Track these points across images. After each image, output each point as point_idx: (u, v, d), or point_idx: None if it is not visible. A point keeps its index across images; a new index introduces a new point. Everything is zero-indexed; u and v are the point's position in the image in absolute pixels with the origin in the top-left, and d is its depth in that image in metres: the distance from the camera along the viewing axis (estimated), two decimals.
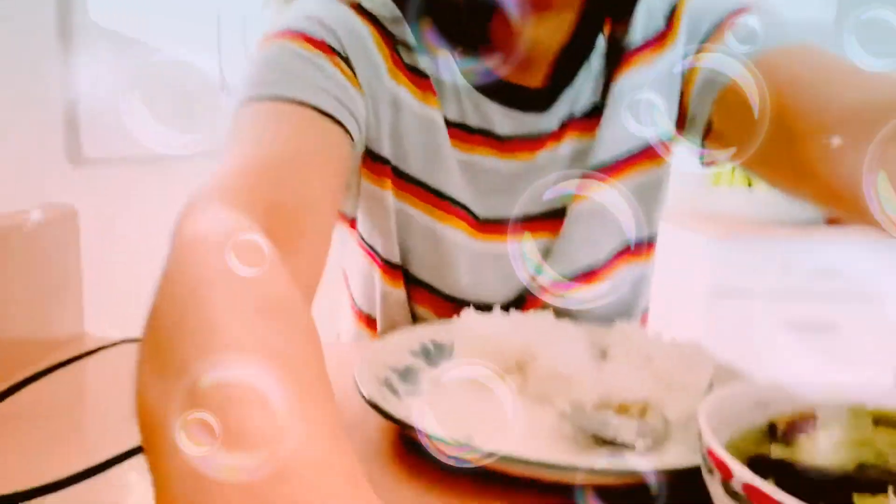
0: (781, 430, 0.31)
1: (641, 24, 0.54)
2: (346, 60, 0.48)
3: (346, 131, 0.47)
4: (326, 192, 0.43)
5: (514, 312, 0.49)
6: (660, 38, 0.55)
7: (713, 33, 0.53)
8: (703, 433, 0.28)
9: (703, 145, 0.55)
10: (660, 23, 0.55)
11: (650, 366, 0.42)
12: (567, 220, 0.56)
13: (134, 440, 0.35)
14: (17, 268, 0.51)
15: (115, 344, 0.57)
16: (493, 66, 0.52)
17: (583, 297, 0.57)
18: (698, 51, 0.53)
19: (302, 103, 0.44)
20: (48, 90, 0.59)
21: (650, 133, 0.56)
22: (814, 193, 0.46)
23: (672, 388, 0.40)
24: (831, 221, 1.97)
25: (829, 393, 0.32)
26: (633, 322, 0.59)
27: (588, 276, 0.57)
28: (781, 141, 0.45)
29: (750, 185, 1.97)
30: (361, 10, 0.51)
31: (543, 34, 0.51)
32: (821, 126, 0.43)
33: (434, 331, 0.50)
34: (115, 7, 0.78)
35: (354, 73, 0.49)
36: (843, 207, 0.43)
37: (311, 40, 0.47)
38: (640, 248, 0.59)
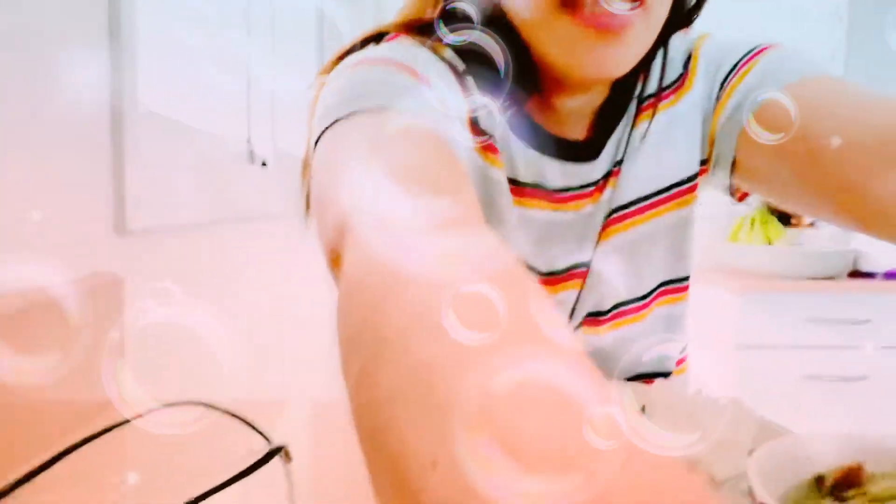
0: (829, 484, 0.31)
1: (660, 72, 0.57)
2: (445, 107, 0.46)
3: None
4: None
5: None
6: (678, 85, 0.57)
7: (732, 75, 0.55)
8: (755, 491, 0.29)
9: (731, 182, 0.57)
10: (678, 69, 0.58)
11: (691, 423, 0.42)
12: (595, 258, 0.57)
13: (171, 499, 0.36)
14: (62, 334, 0.53)
15: (153, 410, 0.58)
16: (539, 121, 0.54)
17: (620, 334, 0.58)
18: (719, 92, 0.56)
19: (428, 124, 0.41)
20: (98, 167, 0.63)
21: (672, 175, 0.58)
22: (855, 216, 0.47)
23: (716, 445, 0.41)
24: (853, 274, 1.96)
25: (873, 444, 0.33)
26: (669, 366, 0.60)
27: (624, 312, 0.58)
28: (811, 167, 0.48)
29: (770, 242, 1.97)
30: (444, 59, 0.51)
31: (584, 96, 0.54)
32: (858, 147, 0.45)
33: None
34: (161, 91, 0.82)
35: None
36: (885, 229, 0.45)
37: (414, 73, 0.45)
38: (674, 286, 0.60)
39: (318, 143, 0.42)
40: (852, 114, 0.47)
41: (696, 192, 0.59)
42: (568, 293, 0.58)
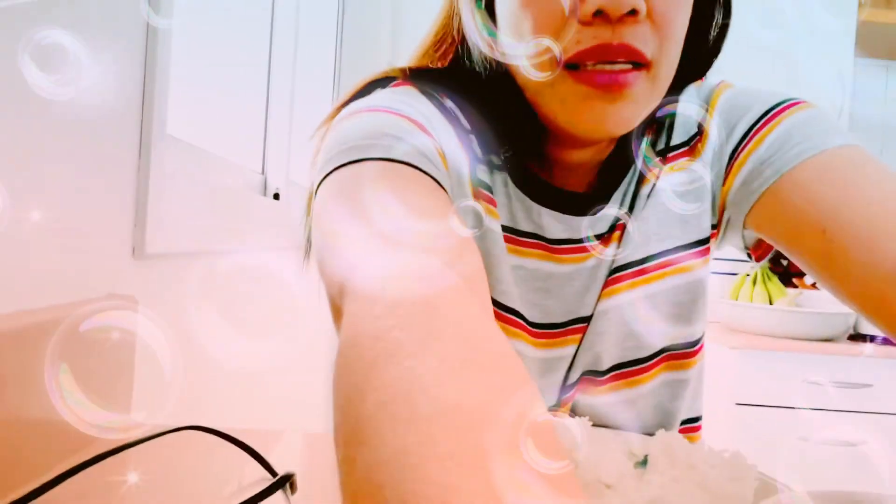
0: None
1: (668, 131, 0.56)
2: (444, 156, 0.47)
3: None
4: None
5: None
6: (692, 145, 0.56)
7: (746, 140, 0.53)
8: None
9: (744, 245, 0.56)
10: (691, 129, 0.56)
11: (693, 475, 0.43)
12: (595, 314, 0.56)
13: None
14: (75, 354, 0.53)
15: (166, 432, 0.58)
16: (539, 172, 0.54)
17: (619, 397, 0.57)
18: (731, 157, 0.54)
19: (424, 172, 0.42)
20: (123, 193, 0.64)
21: (680, 236, 0.56)
22: (876, 319, 0.45)
23: (716, 497, 0.41)
24: (854, 337, 1.96)
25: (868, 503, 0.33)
26: (671, 430, 0.59)
27: (623, 375, 0.57)
28: (827, 265, 0.45)
29: (771, 301, 1.98)
30: (447, 113, 0.51)
31: (588, 151, 0.53)
32: (880, 257, 0.42)
33: None
34: (188, 121, 0.85)
35: (448, 171, 0.47)
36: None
37: (413, 121, 0.46)
38: (680, 353, 0.58)
39: (318, 193, 0.43)
40: (880, 215, 0.43)
41: (708, 256, 0.57)
42: (566, 349, 0.57)
